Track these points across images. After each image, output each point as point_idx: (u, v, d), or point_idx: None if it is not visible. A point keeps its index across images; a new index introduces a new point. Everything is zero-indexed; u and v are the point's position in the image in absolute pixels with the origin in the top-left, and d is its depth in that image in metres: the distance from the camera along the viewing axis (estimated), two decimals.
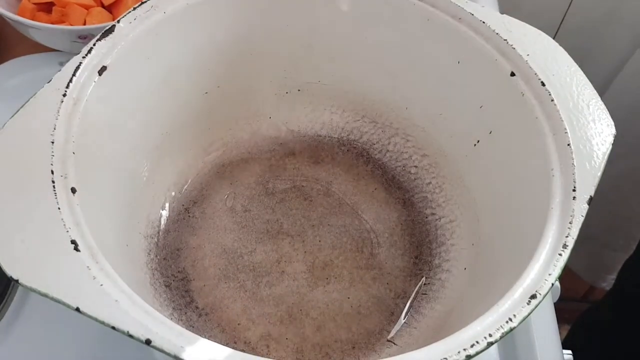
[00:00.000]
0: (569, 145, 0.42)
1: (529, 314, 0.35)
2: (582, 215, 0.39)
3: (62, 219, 0.37)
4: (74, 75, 0.43)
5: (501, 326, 0.34)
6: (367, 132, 0.59)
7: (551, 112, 0.43)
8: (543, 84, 0.44)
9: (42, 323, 0.51)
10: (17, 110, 0.41)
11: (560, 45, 0.48)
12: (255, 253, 0.53)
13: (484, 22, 0.48)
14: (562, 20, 1.02)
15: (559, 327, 0.53)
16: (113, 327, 0.33)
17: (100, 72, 0.44)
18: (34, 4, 0.68)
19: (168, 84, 0.50)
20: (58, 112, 0.41)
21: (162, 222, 0.54)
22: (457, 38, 0.49)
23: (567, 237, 0.38)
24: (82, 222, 0.38)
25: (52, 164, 0.39)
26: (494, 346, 0.34)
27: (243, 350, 0.47)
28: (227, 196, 0.56)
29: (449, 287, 0.50)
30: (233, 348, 0.34)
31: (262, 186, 0.57)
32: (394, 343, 0.49)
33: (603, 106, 0.43)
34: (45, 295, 0.34)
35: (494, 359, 0.51)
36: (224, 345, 0.34)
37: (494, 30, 0.47)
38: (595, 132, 0.42)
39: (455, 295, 0.49)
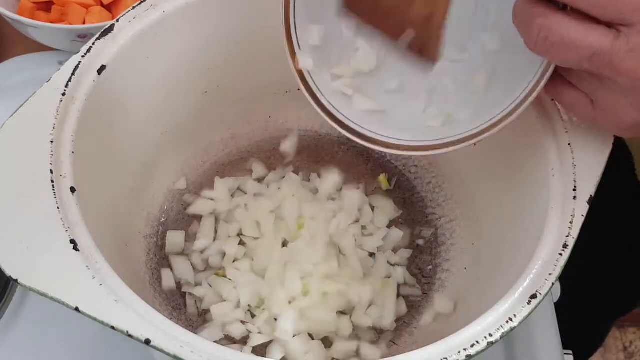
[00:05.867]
0: (569, 145, 0.42)
1: (530, 314, 0.35)
2: (582, 215, 0.39)
3: (61, 219, 0.37)
4: (73, 74, 0.43)
5: (501, 326, 0.34)
6: None
7: (551, 111, 0.43)
8: None
9: (41, 323, 0.51)
10: (17, 110, 0.41)
11: None
12: None
13: None
14: None
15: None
16: (112, 327, 0.33)
17: (99, 72, 0.44)
18: (34, 3, 0.68)
19: (167, 84, 0.50)
20: (57, 111, 0.41)
21: (162, 221, 0.54)
22: None
23: (567, 236, 0.38)
24: (81, 222, 0.38)
25: (51, 164, 0.39)
26: (494, 346, 0.34)
27: (241, 350, 0.47)
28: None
29: (449, 287, 0.50)
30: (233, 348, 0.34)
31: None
32: (394, 343, 0.49)
33: None
34: (44, 295, 0.34)
35: (494, 359, 0.50)
36: (223, 345, 0.34)
37: None
38: (596, 131, 0.42)
39: (455, 295, 0.49)
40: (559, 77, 0.37)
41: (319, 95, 0.44)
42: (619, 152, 0.52)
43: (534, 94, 0.38)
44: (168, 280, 0.51)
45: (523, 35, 0.34)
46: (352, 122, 0.44)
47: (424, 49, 0.41)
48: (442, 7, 0.39)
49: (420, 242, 0.54)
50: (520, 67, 0.38)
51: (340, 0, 0.43)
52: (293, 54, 0.44)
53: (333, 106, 0.44)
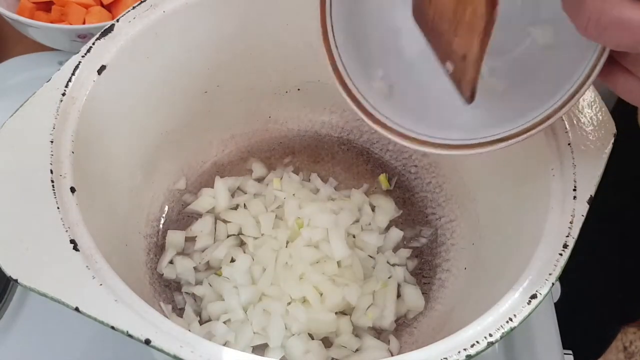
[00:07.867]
0: (569, 145, 0.42)
1: (530, 314, 0.35)
2: (582, 215, 0.39)
3: (61, 219, 0.37)
4: (73, 74, 0.43)
5: (501, 326, 0.34)
6: (367, 131, 0.58)
7: None
8: None
9: (41, 323, 0.51)
10: (17, 110, 0.41)
11: None
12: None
13: None
14: None
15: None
16: (112, 327, 0.33)
17: (99, 72, 0.44)
18: (34, 3, 0.68)
19: (167, 83, 0.50)
20: (57, 111, 0.41)
21: (162, 221, 0.54)
22: None
23: (567, 236, 0.38)
24: (81, 222, 0.38)
25: (51, 164, 0.39)
26: (494, 346, 0.34)
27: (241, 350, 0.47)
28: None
29: (449, 287, 0.50)
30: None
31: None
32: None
33: (603, 106, 0.43)
34: (44, 295, 0.34)
35: (494, 359, 0.50)
36: (223, 344, 0.34)
37: None
38: (596, 131, 0.42)
39: (455, 295, 0.49)
40: (614, 63, 0.34)
41: (354, 92, 0.42)
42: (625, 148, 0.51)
43: (588, 82, 0.36)
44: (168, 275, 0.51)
45: (573, 20, 0.31)
46: (388, 118, 0.42)
47: (460, 85, 0.39)
48: (475, 52, 0.36)
49: (421, 242, 0.54)
50: (571, 55, 0.36)
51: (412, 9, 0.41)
52: (329, 49, 0.42)
53: (368, 102, 0.43)
